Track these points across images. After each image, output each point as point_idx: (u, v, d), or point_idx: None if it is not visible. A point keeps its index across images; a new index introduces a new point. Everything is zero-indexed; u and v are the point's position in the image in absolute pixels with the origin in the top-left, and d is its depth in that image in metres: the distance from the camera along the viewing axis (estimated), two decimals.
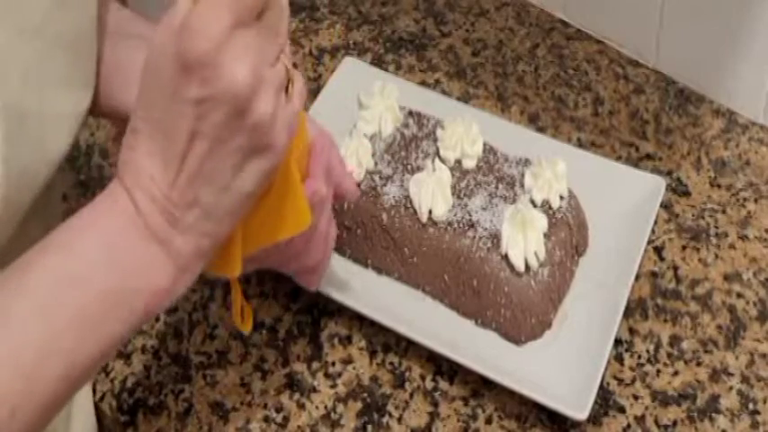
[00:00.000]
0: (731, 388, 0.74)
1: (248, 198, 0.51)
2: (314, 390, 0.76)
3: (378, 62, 0.98)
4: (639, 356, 0.76)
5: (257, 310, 0.80)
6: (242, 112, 0.47)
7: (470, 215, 0.77)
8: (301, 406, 0.75)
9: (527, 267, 0.74)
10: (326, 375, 0.76)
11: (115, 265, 0.48)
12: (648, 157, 0.89)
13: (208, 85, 0.46)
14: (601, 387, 0.73)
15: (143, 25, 0.66)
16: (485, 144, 0.82)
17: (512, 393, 0.72)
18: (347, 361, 0.77)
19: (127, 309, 0.48)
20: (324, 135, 0.65)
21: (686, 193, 0.86)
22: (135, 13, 0.68)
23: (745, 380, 0.74)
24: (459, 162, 0.80)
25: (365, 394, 0.75)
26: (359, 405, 0.75)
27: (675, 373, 0.75)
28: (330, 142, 0.65)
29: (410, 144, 0.82)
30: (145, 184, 0.48)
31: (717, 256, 0.82)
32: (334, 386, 0.76)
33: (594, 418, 0.73)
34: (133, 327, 0.49)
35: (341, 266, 0.80)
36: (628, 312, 0.78)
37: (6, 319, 0.45)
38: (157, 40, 0.48)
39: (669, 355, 0.76)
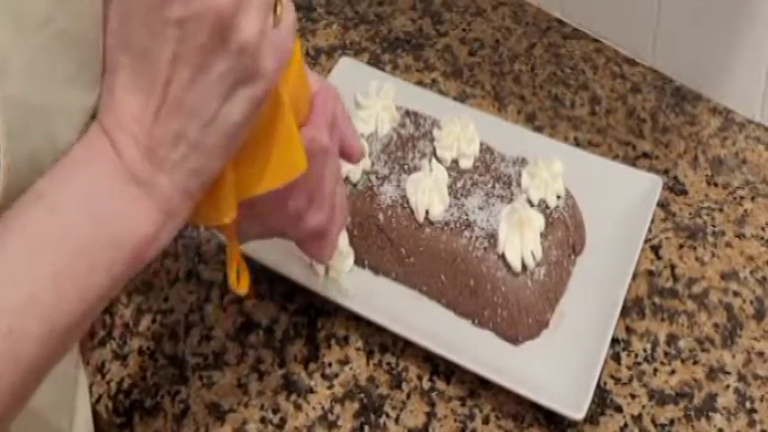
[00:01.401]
0: (728, 386, 0.74)
1: (237, 130, 0.48)
2: (311, 390, 0.76)
3: (374, 62, 0.98)
4: (636, 355, 0.76)
5: (254, 310, 0.80)
6: (226, 31, 0.45)
7: (467, 215, 0.77)
8: (298, 407, 0.75)
9: (524, 267, 0.74)
10: (323, 376, 0.76)
11: (95, 215, 0.46)
12: (645, 155, 0.89)
13: (187, 5, 0.44)
14: (598, 386, 0.73)
15: None
16: (481, 143, 0.81)
17: (509, 393, 0.72)
18: (344, 361, 0.77)
19: (109, 260, 0.46)
20: (329, 87, 0.61)
21: (683, 192, 0.86)
22: None
23: (741, 378, 0.74)
24: (455, 162, 0.80)
25: (362, 395, 0.75)
26: (356, 406, 0.74)
27: (672, 372, 0.75)
28: (335, 95, 0.62)
29: (407, 144, 0.82)
30: (126, 123, 0.46)
31: (714, 255, 0.82)
32: (330, 387, 0.76)
33: (592, 418, 0.73)
34: (118, 279, 0.47)
35: None
36: (625, 311, 0.78)
37: None
38: None
39: (666, 354, 0.76)
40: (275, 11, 0.48)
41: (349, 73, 0.92)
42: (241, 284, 0.61)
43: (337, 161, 0.62)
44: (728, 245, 0.82)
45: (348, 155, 0.63)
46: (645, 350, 0.76)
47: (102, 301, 0.47)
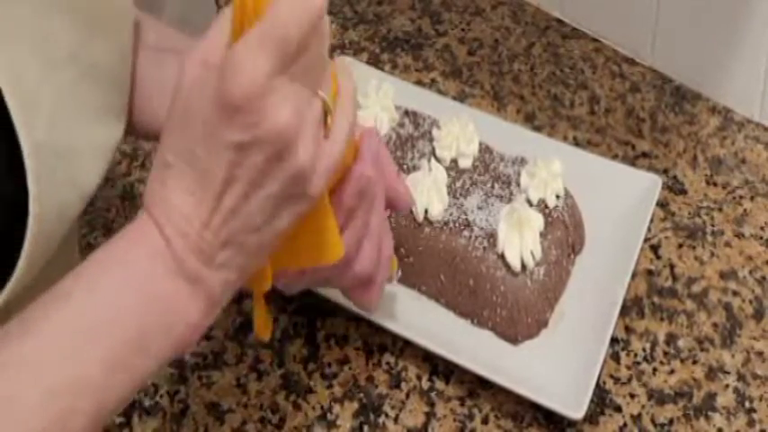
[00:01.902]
0: (727, 386, 0.74)
1: (283, 234, 0.50)
2: (310, 390, 0.76)
3: (373, 61, 0.98)
4: (636, 355, 0.76)
5: (251, 310, 0.80)
6: (282, 158, 0.46)
7: (466, 214, 0.77)
8: (297, 407, 0.75)
9: (523, 266, 0.74)
10: (323, 376, 0.76)
11: (145, 304, 0.47)
12: (644, 155, 0.89)
13: (249, 131, 0.45)
14: (597, 386, 0.73)
15: (186, 41, 0.64)
16: (481, 143, 0.81)
17: (508, 393, 0.72)
18: (343, 361, 0.77)
19: (157, 346, 0.48)
20: (373, 131, 0.62)
21: (682, 192, 0.86)
22: (174, 30, 0.67)
23: (741, 378, 0.74)
24: (455, 161, 0.80)
25: (361, 394, 0.75)
26: (355, 405, 0.74)
27: (672, 372, 0.75)
28: (379, 139, 0.62)
29: (406, 143, 0.82)
30: (177, 221, 0.47)
31: (713, 255, 0.82)
32: (330, 386, 0.76)
33: (591, 417, 0.73)
34: (163, 362, 0.49)
35: None
36: (624, 311, 0.78)
37: (38, 363, 0.44)
38: (189, 72, 0.46)
39: (665, 354, 0.76)
40: (326, 122, 0.49)
41: None
42: (266, 332, 0.63)
43: (383, 206, 0.62)
44: (728, 244, 0.82)
45: (395, 204, 0.63)
46: (644, 350, 0.76)
47: (148, 380, 0.49)
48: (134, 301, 0.47)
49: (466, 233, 0.75)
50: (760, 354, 0.76)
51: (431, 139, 0.82)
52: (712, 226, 0.84)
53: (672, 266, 0.81)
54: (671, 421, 0.72)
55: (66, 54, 0.49)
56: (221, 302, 0.50)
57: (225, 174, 0.46)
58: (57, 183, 0.49)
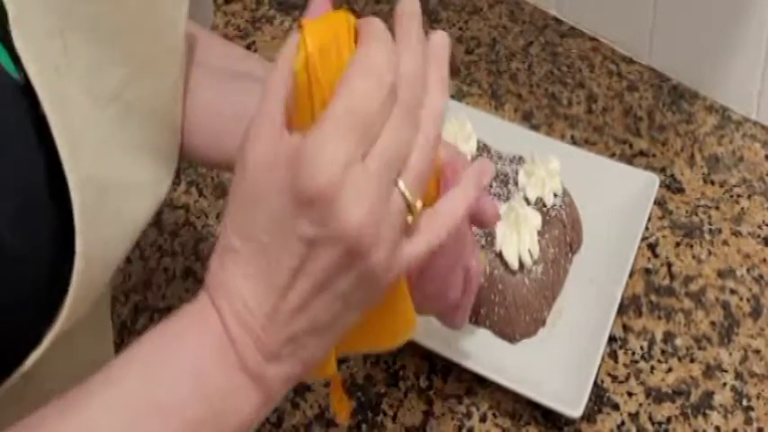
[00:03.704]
0: (725, 384, 0.74)
1: (348, 328, 0.47)
2: (308, 389, 0.76)
3: None
4: (633, 353, 0.76)
5: None
6: (354, 258, 0.43)
7: None
8: (296, 405, 0.75)
9: (521, 265, 0.74)
10: None
11: (199, 396, 0.44)
12: (642, 153, 0.89)
13: (322, 226, 0.42)
14: (595, 384, 0.73)
15: (255, 64, 0.62)
16: (478, 142, 0.82)
17: (506, 391, 0.73)
18: (341, 360, 0.77)
19: None
20: (457, 155, 0.57)
21: (680, 190, 0.86)
22: (242, 49, 0.64)
23: (738, 376, 0.74)
24: None
25: (359, 393, 0.75)
26: (353, 404, 0.75)
27: (669, 370, 0.75)
28: (466, 162, 0.57)
29: None
30: (239, 310, 0.44)
31: (710, 253, 0.82)
32: (328, 385, 0.76)
33: (589, 416, 0.73)
34: None
35: None
36: (621, 309, 0.78)
37: None
38: (254, 153, 0.43)
39: (663, 352, 0.76)
40: (410, 213, 0.45)
41: None
42: (344, 412, 0.60)
43: (471, 232, 0.59)
44: (725, 243, 0.82)
45: (480, 221, 0.59)
46: (642, 348, 0.76)
47: None
48: (188, 392, 0.44)
49: None
50: (757, 352, 0.76)
51: None
52: (710, 224, 0.84)
53: (669, 265, 0.81)
54: (668, 419, 0.73)
55: (112, 89, 0.47)
56: (278, 397, 0.47)
57: (293, 267, 0.43)
58: (102, 220, 0.47)
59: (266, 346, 0.45)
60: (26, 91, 0.44)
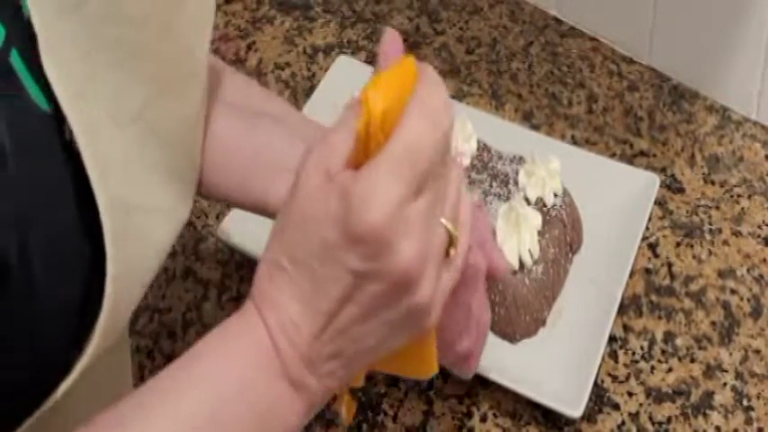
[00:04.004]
0: (725, 384, 0.74)
1: (388, 353, 0.48)
2: None
3: (372, 61, 0.98)
4: (634, 353, 0.76)
5: None
6: (402, 292, 0.44)
7: None
8: None
9: (521, 265, 0.74)
10: None
11: (252, 406, 0.46)
12: (642, 153, 0.89)
13: (372, 262, 0.43)
14: (595, 384, 0.73)
15: (275, 105, 0.63)
16: (479, 142, 0.82)
17: (506, 391, 0.72)
18: None
19: None
20: (477, 207, 0.59)
21: (680, 190, 0.86)
22: (263, 89, 0.65)
23: (738, 376, 0.74)
24: None
25: (360, 393, 0.75)
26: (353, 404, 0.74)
27: (669, 370, 0.75)
28: (482, 214, 0.60)
29: None
30: (287, 327, 0.46)
31: (711, 253, 0.82)
32: None
33: (589, 416, 0.73)
34: None
35: None
36: (622, 309, 0.78)
37: None
38: (308, 181, 0.44)
39: (663, 352, 0.76)
40: (448, 252, 0.47)
41: (346, 72, 0.92)
42: (349, 416, 0.61)
43: (483, 283, 0.60)
44: (725, 243, 0.82)
45: (493, 274, 0.61)
46: (642, 348, 0.76)
47: None
48: (242, 404, 0.45)
49: None
50: (758, 352, 0.76)
51: None
52: (710, 224, 0.84)
53: (670, 265, 0.81)
54: (669, 419, 0.73)
55: (133, 111, 0.48)
56: (319, 407, 0.49)
57: (341, 295, 0.44)
58: (129, 242, 0.47)
59: (311, 361, 0.46)
60: (55, 118, 0.44)
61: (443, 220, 0.46)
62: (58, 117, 0.44)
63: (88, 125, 0.44)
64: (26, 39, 0.43)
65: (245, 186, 0.59)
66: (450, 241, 0.46)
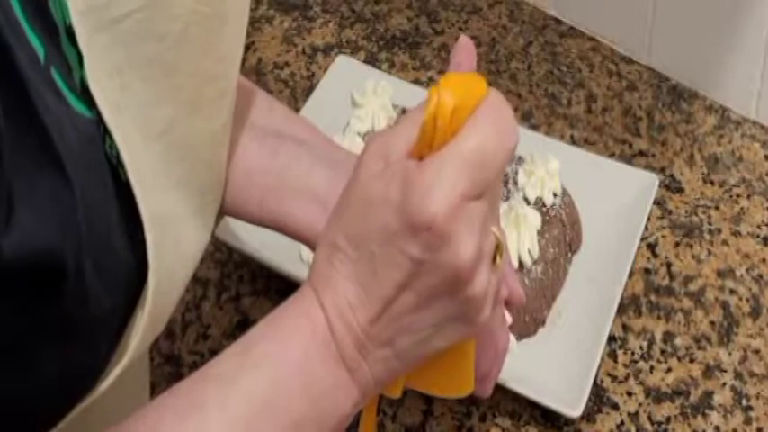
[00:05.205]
0: (724, 384, 0.74)
1: (438, 350, 0.49)
2: None
3: (371, 60, 0.98)
4: (633, 353, 0.76)
5: (251, 309, 0.80)
6: (457, 286, 0.45)
7: None
8: None
9: (521, 265, 0.74)
10: None
11: (311, 391, 0.46)
12: (641, 153, 0.89)
13: (431, 251, 0.44)
14: (594, 384, 0.73)
15: (299, 127, 0.63)
16: None
17: (505, 391, 0.72)
18: None
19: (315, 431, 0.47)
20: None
21: (679, 190, 0.86)
22: (286, 108, 0.65)
23: (738, 376, 0.74)
24: None
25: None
26: None
27: (669, 370, 0.75)
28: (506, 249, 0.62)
29: None
30: (343, 309, 0.46)
31: (710, 253, 0.82)
32: None
33: (588, 415, 0.73)
34: None
35: None
36: (621, 309, 0.78)
37: None
38: (369, 165, 0.45)
39: (662, 352, 0.76)
40: (495, 259, 0.48)
41: (345, 71, 0.92)
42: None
43: (502, 307, 0.60)
44: (724, 243, 0.82)
45: (510, 301, 0.61)
46: (641, 348, 0.76)
47: None
48: (301, 389, 0.46)
49: None
50: (757, 352, 0.76)
51: None
52: (709, 224, 0.84)
53: (669, 265, 0.81)
54: (668, 419, 0.73)
55: (161, 126, 0.48)
56: (369, 397, 0.49)
57: (399, 281, 0.45)
58: (167, 255, 0.48)
59: (365, 346, 0.47)
60: (97, 129, 0.44)
61: (494, 229, 0.47)
62: (99, 129, 0.44)
63: (125, 138, 0.45)
64: (61, 57, 0.43)
65: (263, 208, 0.59)
66: (497, 248, 0.47)
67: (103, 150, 0.45)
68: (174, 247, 0.49)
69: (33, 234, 0.38)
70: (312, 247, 0.56)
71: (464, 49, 0.50)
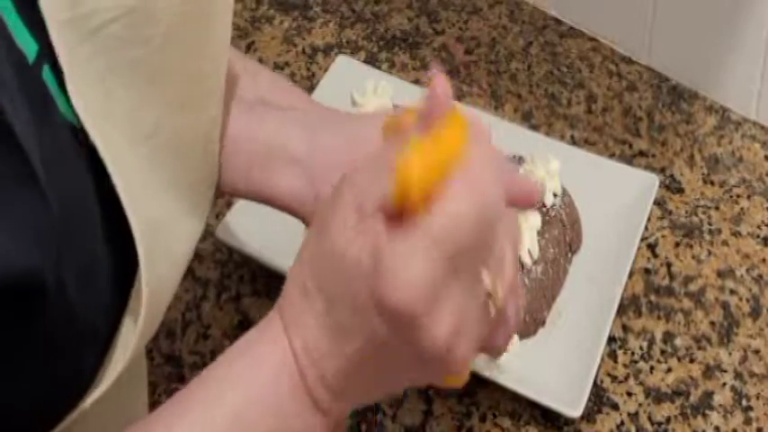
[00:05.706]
0: (724, 384, 0.74)
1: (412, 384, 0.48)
2: None
3: (371, 60, 0.98)
4: (633, 353, 0.76)
5: (251, 309, 0.80)
6: (434, 360, 0.42)
7: None
8: None
9: (521, 265, 0.74)
10: None
11: (279, 420, 0.45)
12: (642, 154, 0.89)
13: (401, 334, 0.41)
14: (594, 384, 0.73)
15: (295, 97, 0.62)
16: None
17: (505, 391, 0.72)
18: None
19: None
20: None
21: (679, 190, 0.86)
22: (272, 77, 0.64)
23: (738, 376, 0.74)
24: None
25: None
26: None
27: (669, 370, 0.75)
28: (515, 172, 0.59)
29: None
30: (311, 352, 0.44)
31: (710, 253, 0.82)
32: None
33: (588, 416, 0.73)
34: None
35: None
36: (621, 309, 0.78)
37: None
38: (340, 216, 0.42)
39: (662, 352, 0.76)
40: (493, 304, 0.44)
41: (345, 71, 0.92)
42: None
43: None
44: (725, 243, 0.82)
45: (524, 201, 0.52)
46: (641, 348, 0.76)
47: None
48: (259, 420, 0.45)
49: None
50: (757, 352, 0.76)
51: None
52: (709, 224, 0.84)
53: (669, 265, 0.81)
54: (668, 419, 0.73)
55: (147, 130, 0.47)
56: (336, 424, 0.48)
57: (367, 346, 0.42)
58: (158, 260, 0.47)
59: (332, 389, 0.45)
60: (82, 135, 0.44)
61: (485, 277, 0.43)
62: (84, 134, 0.44)
63: (110, 145, 0.44)
64: (55, 55, 0.43)
65: (249, 177, 0.58)
66: (489, 297, 0.44)
67: (87, 158, 0.44)
68: (166, 254, 0.48)
69: (9, 253, 0.37)
70: (297, 215, 0.56)
71: (438, 90, 0.45)
